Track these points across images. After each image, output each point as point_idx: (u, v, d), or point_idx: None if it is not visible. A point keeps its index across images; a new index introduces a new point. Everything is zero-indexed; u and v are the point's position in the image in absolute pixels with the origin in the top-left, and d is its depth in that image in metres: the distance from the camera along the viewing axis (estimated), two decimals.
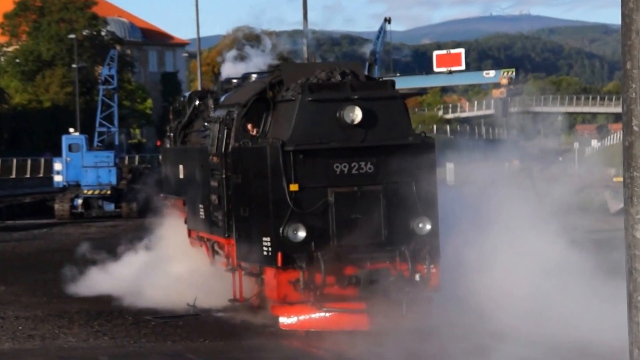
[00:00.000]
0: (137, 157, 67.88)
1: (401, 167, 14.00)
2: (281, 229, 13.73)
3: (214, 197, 15.57)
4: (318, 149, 13.87)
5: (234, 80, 17.47)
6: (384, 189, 13.97)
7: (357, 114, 13.90)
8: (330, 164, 13.88)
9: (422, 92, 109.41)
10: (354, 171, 13.94)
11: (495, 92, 40.18)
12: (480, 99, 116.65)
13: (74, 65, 67.85)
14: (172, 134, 19.79)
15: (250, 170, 14.24)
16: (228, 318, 15.56)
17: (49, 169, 49.92)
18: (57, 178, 41.40)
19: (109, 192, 40.21)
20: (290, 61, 17.92)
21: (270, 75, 15.34)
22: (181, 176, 18.24)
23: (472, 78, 56.52)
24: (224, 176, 14.96)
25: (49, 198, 45.27)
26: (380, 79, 15.36)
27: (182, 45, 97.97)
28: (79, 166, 40.34)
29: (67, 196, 40.35)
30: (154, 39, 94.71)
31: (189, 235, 18.12)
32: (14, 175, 58.27)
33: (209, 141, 15.94)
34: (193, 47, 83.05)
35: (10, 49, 76.88)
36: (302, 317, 13.96)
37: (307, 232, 13.73)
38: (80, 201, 40.07)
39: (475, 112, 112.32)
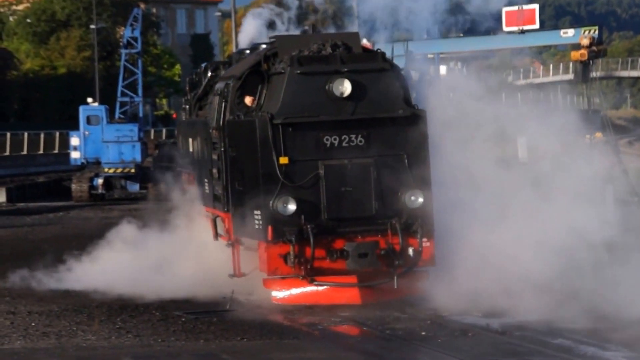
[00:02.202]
0: (164, 131, 68.23)
1: (392, 140, 15.65)
2: (271, 202, 15.40)
3: (215, 171, 17.11)
4: (307, 121, 15.50)
5: (247, 52, 18.78)
6: (374, 162, 15.57)
7: (346, 87, 15.53)
8: (320, 137, 15.54)
9: (488, 54, 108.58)
10: (344, 144, 15.56)
11: (575, 54, 39.64)
12: (556, 62, 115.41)
13: (92, 26, 68.26)
14: (187, 107, 21.09)
15: (242, 144, 15.88)
16: (268, 313, 15.66)
17: (65, 144, 50.35)
18: (74, 155, 41.68)
19: (133, 170, 40.41)
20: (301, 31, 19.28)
21: (267, 48, 16.98)
22: (191, 149, 20.03)
23: (548, 38, 55.85)
24: (222, 149, 16.44)
25: (65, 177, 45.66)
26: (378, 50, 16.62)
27: (214, 3, 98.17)
28: (98, 141, 40.58)
29: (85, 175, 40.65)
30: None
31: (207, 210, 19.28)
32: (25, 152, 58.89)
33: (210, 114, 17.48)
34: (227, 5, 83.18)
35: (20, 7, 77.57)
36: (293, 291, 15.64)
37: (297, 206, 15.36)
38: (100, 181, 40.33)
39: (551, 78, 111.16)
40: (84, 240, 21.99)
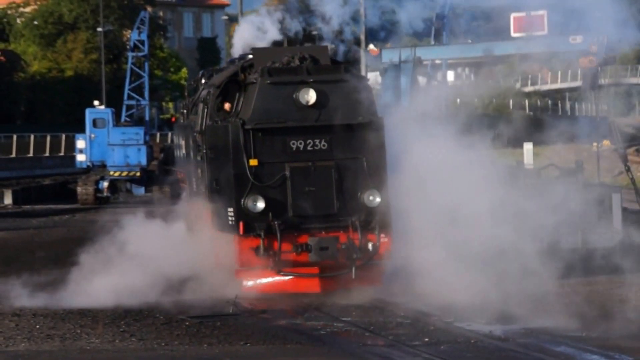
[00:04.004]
0: (169, 134, 68.33)
1: (352, 144, 17.30)
2: (242, 200, 17.02)
3: (199, 172, 18.94)
4: (275, 127, 17.22)
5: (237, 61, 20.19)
6: (336, 164, 17.27)
7: (312, 96, 17.20)
8: (287, 141, 17.24)
9: (496, 61, 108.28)
10: (308, 148, 17.24)
11: (583, 61, 39.63)
12: (565, 69, 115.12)
13: (99, 29, 68.40)
14: (185, 111, 22.69)
15: (218, 147, 17.61)
16: (272, 318, 15.74)
17: (71, 147, 50.46)
18: (80, 157, 41.76)
19: (138, 173, 40.49)
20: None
21: (244, 59, 18.91)
22: (183, 151, 22.17)
23: (556, 44, 55.81)
24: (204, 152, 18.18)
25: (71, 180, 45.77)
26: (345, 63, 18.41)
27: (221, 6, 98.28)
28: (104, 144, 40.66)
29: (91, 178, 40.73)
30: None
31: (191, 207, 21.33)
32: (31, 154, 59.01)
33: (196, 119, 19.34)
34: (234, 9, 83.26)
35: (28, 9, 77.71)
36: (262, 281, 17.23)
37: (266, 204, 17.06)
38: (106, 184, 40.42)
39: (559, 85, 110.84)
40: (89, 243, 22.05)
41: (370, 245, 17.05)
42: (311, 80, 17.35)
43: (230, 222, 17.25)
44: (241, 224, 17.00)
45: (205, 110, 18.30)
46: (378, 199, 17.21)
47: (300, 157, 17.19)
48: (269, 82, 17.31)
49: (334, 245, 16.98)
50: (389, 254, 17.21)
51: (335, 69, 17.79)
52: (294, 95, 17.25)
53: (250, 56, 18.89)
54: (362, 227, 17.04)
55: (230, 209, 17.22)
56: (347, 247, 16.99)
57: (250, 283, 17.28)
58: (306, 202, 17.14)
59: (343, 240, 17.02)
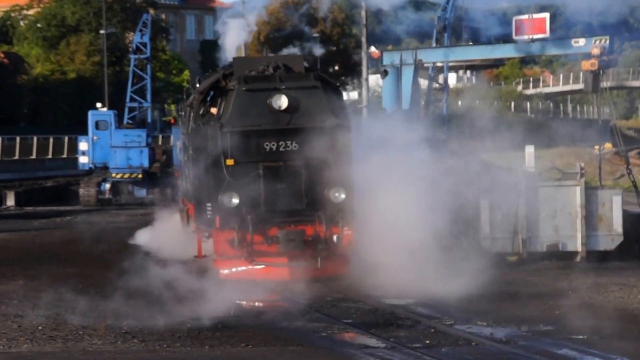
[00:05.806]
0: (171, 137, 68.37)
1: (320, 146, 18.55)
2: (219, 196, 18.59)
3: (187, 170, 20.71)
4: (251, 130, 18.68)
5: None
6: (305, 164, 18.71)
7: (283, 101, 18.68)
8: (261, 143, 18.74)
9: (498, 63, 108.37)
10: (281, 149, 18.74)
11: (585, 64, 39.61)
12: (566, 72, 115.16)
13: (102, 31, 68.44)
14: (182, 114, 24.30)
15: (199, 148, 19.26)
16: (273, 320, 15.74)
17: (74, 149, 50.53)
18: (83, 159, 41.85)
19: (140, 175, 40.55)
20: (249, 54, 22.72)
21: (225, 67, 20.49)
22: (178, 151, 24.26)
23: (558, 47, 55.86)
24: (189, 152, 19.99)
25: (73, 182, 45.82)
26: (317, 71, 19.67)
27: (223, 9, 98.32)
28: (106, 146, 40.74)
29: (93, 180, 40.78)
30: (192, 1, 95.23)
31: (183, 202, 23.66)
32: (34, 156, 59.07)
33: (184, 122, 21.40)
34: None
35: (31, 12, 77.83)
36: (237, 269, 18.65)
37: (240, 200, 18.56)
38: (108, 186, 40.47)
39: (561, 87, 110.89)
40: (91, 244, 22.13)
41: (334, 238, 18.47)
42: (283, 87, 18.81)
43: (209, 217, 18.87)
44: (217, 218, 18.51)
45: (191, 114, 20.01)
46: (343, 196, 18.69)
47: (272, 158, 18.69)
48: (244, 89, 18.84)
49: (301, 238, 18.46)
50: (352, 246, 18.51)
51: (306, 76, 19.19)
52: (268, 101, 18.70)
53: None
54: (328, 221, 18.50)
55: (209, 205, 18.84)
56: (313, 239, 18.47)
57: (226, 271, 18.70)
58: (277, 198, 18.70)
59: (309, 233, 18.56)
